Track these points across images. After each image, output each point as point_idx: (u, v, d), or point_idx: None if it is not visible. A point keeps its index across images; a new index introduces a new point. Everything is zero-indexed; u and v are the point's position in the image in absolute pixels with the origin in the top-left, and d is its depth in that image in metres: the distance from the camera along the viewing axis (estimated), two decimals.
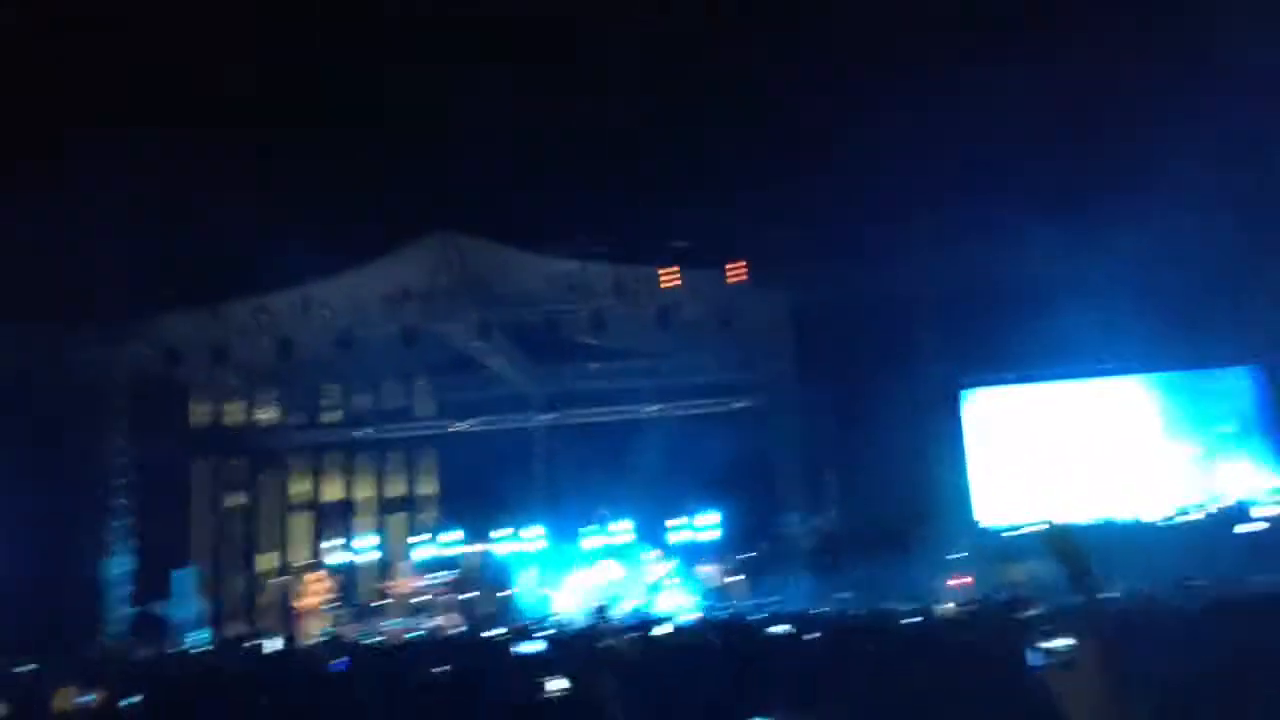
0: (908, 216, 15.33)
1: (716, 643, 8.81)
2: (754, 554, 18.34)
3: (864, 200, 14.86)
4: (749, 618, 12.46)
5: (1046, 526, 15.12)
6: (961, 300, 16.62)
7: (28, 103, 16.59)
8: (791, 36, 15.42)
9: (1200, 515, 17.02)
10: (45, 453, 17.30)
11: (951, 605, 10.87)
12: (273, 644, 13.71)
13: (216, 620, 18.91)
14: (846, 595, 14.66)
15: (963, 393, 18.44)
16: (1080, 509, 17.26)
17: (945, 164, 14.64)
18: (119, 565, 17.72)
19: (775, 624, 10.84)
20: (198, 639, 16.89)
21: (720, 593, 17.90)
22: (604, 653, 7.31)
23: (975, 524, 17.84)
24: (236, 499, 21.11)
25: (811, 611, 13.22)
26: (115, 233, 16.77)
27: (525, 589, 18.46)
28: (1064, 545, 6.87)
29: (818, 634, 9.35)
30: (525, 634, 10.27)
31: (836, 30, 15.17)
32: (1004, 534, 17.57)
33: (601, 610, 14.91)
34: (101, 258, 16.57)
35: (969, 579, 16.00)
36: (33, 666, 8.91)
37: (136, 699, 6.55)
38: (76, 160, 16.55)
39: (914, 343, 17.23)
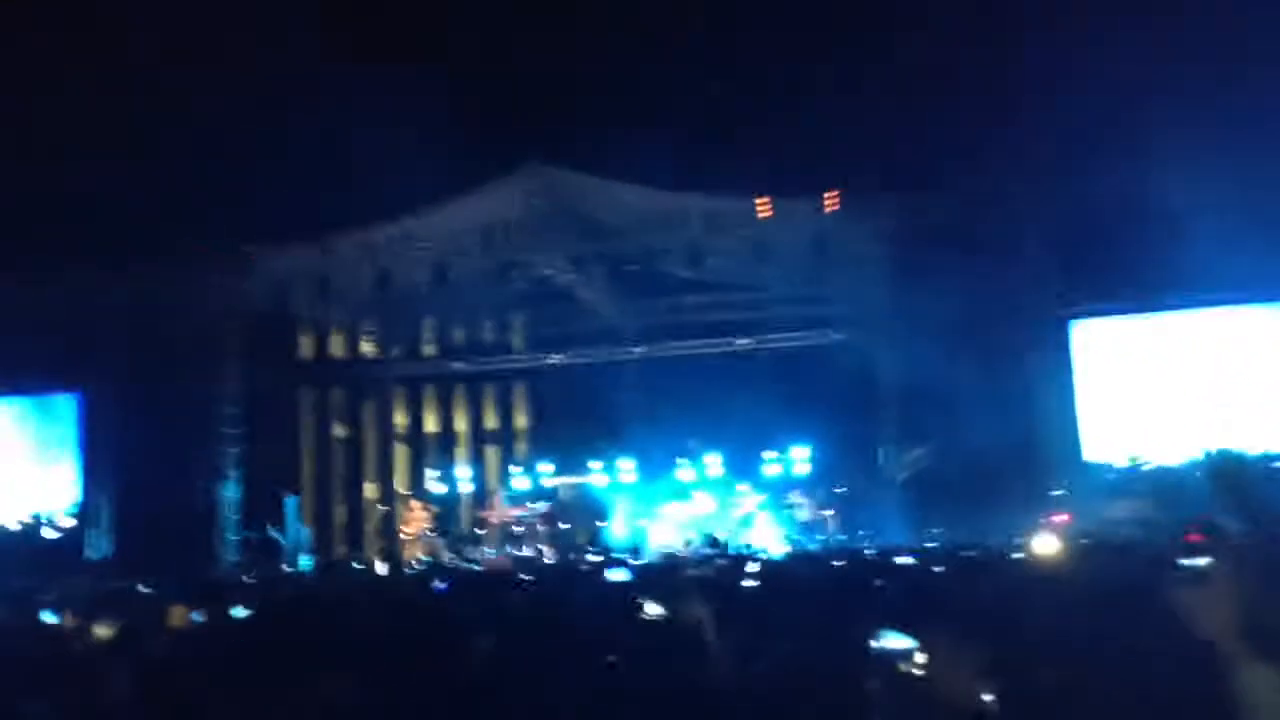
0: (1011, 138, 14.83)
1: (808, 573, 8.82)
2: (847, 489, 18.24)
3: (964, 122, 14.42)
4: (841, 550, 12.45)
5: (1216, 454, 14.81)
6: (1071, 225, 16.00)
7: (136, 33, 17.01)
8: None
9: None
10: (159, 382, 18.00)
11: (1048, 541, 10.66)
12: (379, 568, 14.18)
13: (322, 547, 19.57)
14: (939, 531, 14.52)
15: (1071, 322, 17.76)
16: (1193, 445, 16.74)
17: (1050, 81, 14.10)
18: (231, 492, 18.39)
19: (867, 556, 10.81)
20: (305, 563, 17.54)
21: (813, 527, 17.88)
22: (697, 581, 7.36)
23: (1081, 459, 17.36)
24: (340, 429, 21.66)
25: (904, 546, 13.15)
26: (223, 167, 17.21)
27: (618, 521, 18.68)
28: (1233, 474, 6.67)
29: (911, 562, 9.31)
30: (618, 563, 10.40)
31: None
32: (1112, 469, 17.17)
33: (704, 542, 14.96)
34: (209, 191, 17.03)
35: (1067, 516, 15.68)
36: (149, 589, 9.31)
37: (245, 614, 6.78)
38: (180, 94, 16.94)
39: (1020, 270, 16.64)
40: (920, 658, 3.76)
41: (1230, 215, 14.44)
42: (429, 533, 18.93)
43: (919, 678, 3.71)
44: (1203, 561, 4.81)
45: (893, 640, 4.06)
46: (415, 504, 19.75)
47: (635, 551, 14.66)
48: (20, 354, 18.02)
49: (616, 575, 8.17)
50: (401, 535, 19.32)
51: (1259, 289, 17.05)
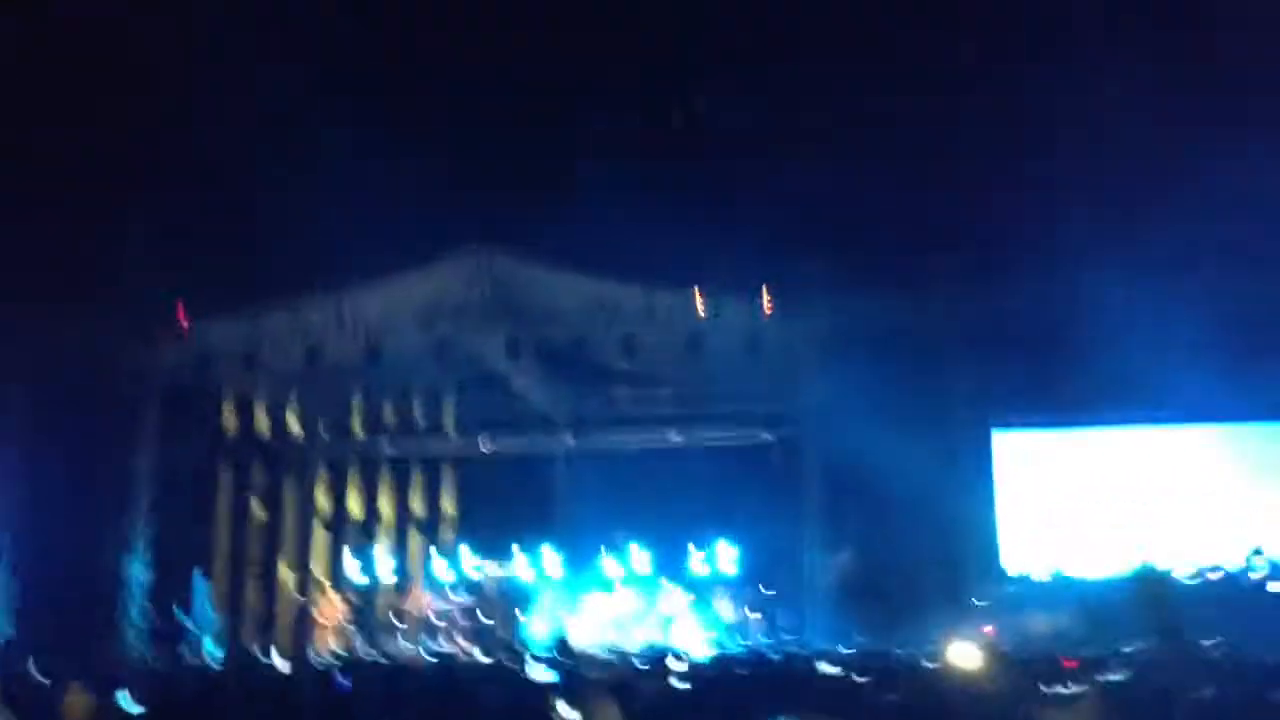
0: (943, 248, 15.16)
1: (732, 677, 8.65)
2: (773, 591, 18.11)
3: (898, 230, 14.73)
4: (766, 654, 12.27)
5: (1140, 570, 14.93)
6: (998, 337, 16.32)
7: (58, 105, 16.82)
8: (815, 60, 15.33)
9: (1223, 574, 16.55)
10: (71, 449, 17.41)
11: (971, 651, 10.61)
12: (283, 662, 13.63)
13: (232, 632, 18.85)
14: (861, 639, 14.43)
15: (994, 433, 18.05)
16: (1110, 561, 16.94)
17: (980, 191, 14.48)
18: (139, 570, 17.71)
19: (792, 661, 10.66)
20: (212, 650, 16.85)
21: (736, 628, 17.68)
22: (616, 685, 7.16)
23: (1002, 570, 17.50)
24: (259, 509, 21.06)
25: (829, 650, 13.01)
26: (154, 236, 16.94)
27: (541, 614, 18.31)
28: (1156, 591, 6.68)
29: (835, 672, 9.18)
30: (537, 660, 10.13)
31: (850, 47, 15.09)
32: (1031, 582, 17.27)
33: (617, 644, 14.70)
34: (139, 260, 16.72)
35: (989, 628, 15.69)
36: (46, 673, 8.86)
37: (141, 709, 6.47)
38: (116, 164, 16.74)
39: (946, 379, 16.95)
40: None
41: (1155, 334, 14.82)
42: (345, 623, 18.37)
43: None
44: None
45: None
46: (331, 593, 19.19)
47: (562, 647, 14.32)
48: None
49: (540, 675, 7.96)
50: (317, 624, 18.71)
51: (1180, 408, 17.45)
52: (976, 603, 16.21)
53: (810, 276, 16.13)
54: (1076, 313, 15.73)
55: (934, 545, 16.80)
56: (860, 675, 8.71)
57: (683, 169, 16.41)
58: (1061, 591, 16.67)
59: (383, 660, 13.03)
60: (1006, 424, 18.03)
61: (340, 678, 7.59)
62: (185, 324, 17.70)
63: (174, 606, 17.70)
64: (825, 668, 9.91)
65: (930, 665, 9.69)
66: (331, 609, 18.56)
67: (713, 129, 15.17)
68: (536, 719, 5.32)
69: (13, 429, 17.64)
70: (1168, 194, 14.72)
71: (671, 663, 9.70)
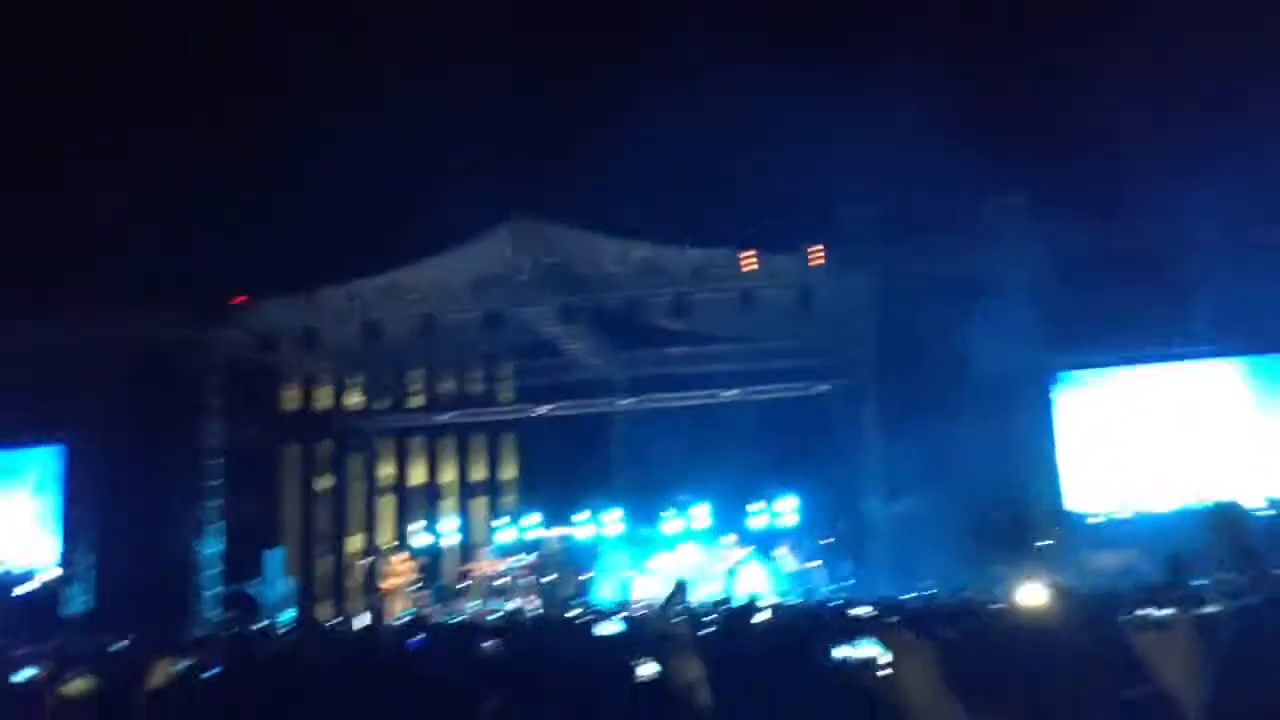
0: (995, 190, 14.99)
1: (798, 626, 8.73)
2: (833, 540, 18.18)
3: (949, 176, 14.57)
4: (828, 603, 12.36)
5: (1214, 505, 14.81)
6: (1054, 279, 16.12)
7: (124, 88, 17.14)
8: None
9: None
10: (142, 434, 17.90)
11: (1040, 591, 10.61)
12: (358, 622, 14.01)
13: (304, 600, 19.37)
14: (927, 583, 14.43)
15: (1054, 375, 17.83)
16: (1175, 497, 16.78)
17: (1032, 137, 14.31)
18: (212, 545, 18.21)
19: (853, 608, 10.73)
20: (286, 618, 17.33)
21: (798, 578, 17.79)
22: (683, 635, 7.29)
23: (1064, 511, 17.38)
24: (324, 481, 21.54)
25: (890, 598, 13.08)
26: (211, 217, 17.28)
27: (604, 573, 18.56)
28: (1231, 523, 6.65)
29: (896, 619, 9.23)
30: (604, 616, 10.30)
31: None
32: (1094, 521, 17.17)
33: (680, 592, 14.84)
34: (196, 241, 17.06)
35: (1055, 568, 15.64)
36: (126, 643, 9.21)
37: (220, 670, 6.69)
38: (175, 147, 17.06)
39: (1004, 322, 16.74)
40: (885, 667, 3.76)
41: (1214, 269, 14.59)
42: (413, 586, 18.77)
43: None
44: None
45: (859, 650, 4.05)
46: (398, 558, 19.59)
47: (620, 604, 14.55)
48: (2, 405, 17.91)
49: (607, 628, 8.10)
50: (384, 589, 19.13)
51: (1241, 342, 17.18)
52: (1042, 543, 16.14)
53: (860, 225, 16.03)
54: (1129, 252, 15.51)
55: (996, 488, 16.73)
56: (926, 621, 8.76)
57: (722, 127, 16.35)
58: (1130, 529, 16.55)
59: (453, 620, 13.33)
60: (1067, 364, 17.85)
61: (414, 636, 7.81)
62: (244, 305, 18.02)
63: (247, 579, 18.19)
64: (887, 615, 9.97)
65: (998, 607, 9.71)
66: (399, 574, 18.95)
67: (752, 82, 15.06)
68: (613, 673, 5.42)
69: (86, 411, 18.17)
70: (1224, 131, 14.45)
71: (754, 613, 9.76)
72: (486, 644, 6.90)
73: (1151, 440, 17.51)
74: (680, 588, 10.88)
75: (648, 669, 5.02)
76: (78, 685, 5.60)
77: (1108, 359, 17.88)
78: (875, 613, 8.61)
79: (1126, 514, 17.16)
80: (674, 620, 8.30)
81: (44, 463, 19.19)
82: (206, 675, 5.74)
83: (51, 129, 17.43)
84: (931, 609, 10.43)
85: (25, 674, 6.63)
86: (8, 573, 18.55)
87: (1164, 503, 16.90)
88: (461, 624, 11.41)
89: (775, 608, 10.80)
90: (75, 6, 17.46)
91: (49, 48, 17.38)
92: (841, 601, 11.78)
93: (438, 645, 7.29)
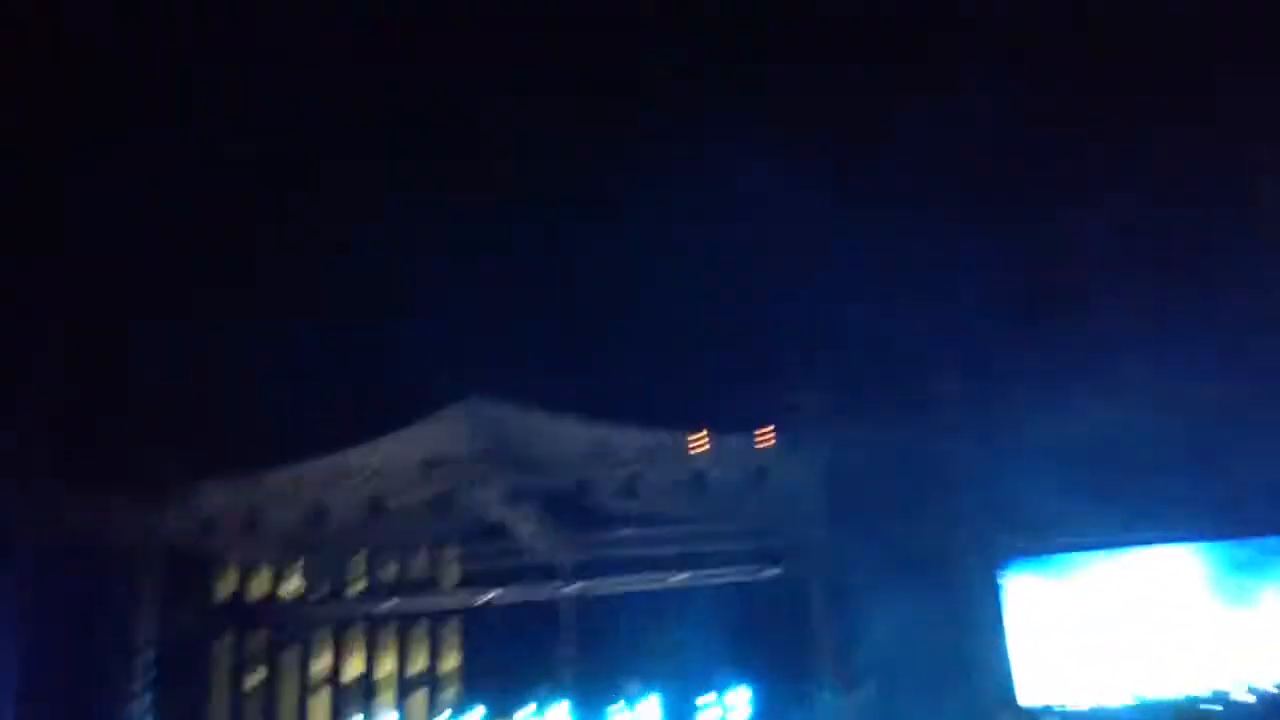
0: (945, 375, 15.43)
1: None
2: None
3: (898, 360, 15.02)
4: None
5: (1181, 699, 14.68)
6: (1003, 463, 16.42)
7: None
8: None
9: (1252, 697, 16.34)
10: (63, 622, 17.12)
11: None
12: None
13: None
14: None
15: (1003, 563, 17.91)
16: (1132, 689, 16.69)
17: (981, 329, 14.82)
18: None
19: None
20: None
21: None
22: None
23: (1017, 704, 17.17)
24: (256, 676, 20.64)
25: None
26: (154, 399, 17.08)
27: None
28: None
29: None
30: None
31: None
32: (1047, 714, 16.96)
33: None
34: (140, 424, 16.81)
35: None
36: None
37: None
38: (122, 319, 17.01)
39: (952, 509, 16.97)
40: None
41: (1171, 453, 14.98)
42: None
43: None
44: None
45: None
46: None
47: None
48: None
49: None
50: None
51: (1199, 528, 17.41)
52: None
53: (810, 407, 16.33)
54: (1079, 438, 15.90)
55: (948, 680, 16.56)
56: None
57: (673, 304, 16.81)
58: None
59: None
60: (1018, 549, 17.91)
61: None
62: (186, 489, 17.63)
63: None
64: None
65: None
66: None
67: (705, 258, 15.61)
68: None
69: (13, 593, 17.36)
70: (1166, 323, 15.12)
71: None
72: None
73: (1107, 629, 17.46)
74: None
75: None
76: None
77: (1060, 544, 18.00)
78: None
79: (1082, 707, 16.99)
80: None
81: None
82: None
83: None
84: None
85: None
86: None
87: (1120, 696, 16.78)
88: None
89: None
90: None
91: None
92: None
93: None
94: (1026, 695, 17.22)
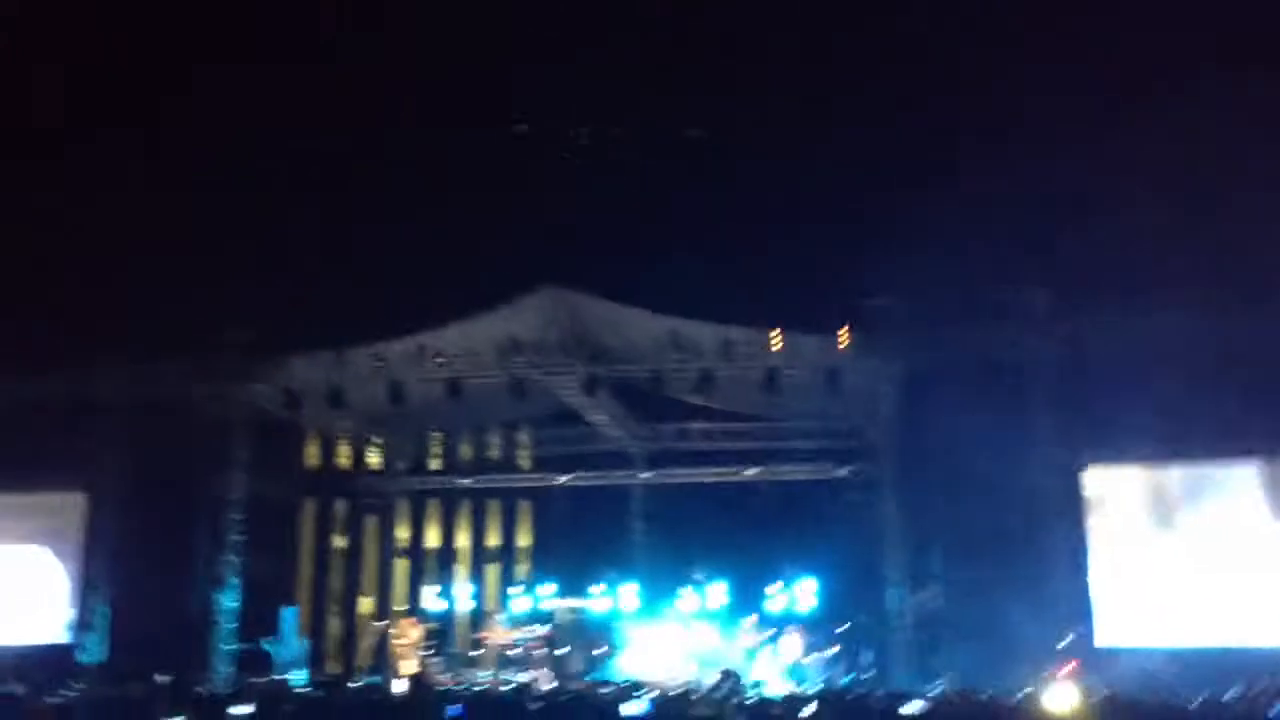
0: (1027, 278, 15.02)
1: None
2: (850, 626, 17.97)
3: (980, 262, 14.66)
4: (848, 692, 12.23)
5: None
6: (1088, 368, 15.94)
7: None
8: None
9: None
10: (164, 487, 17.97)
11: (1062, 694, 10.46)
12: (368, 682, 13.88)
13: (315, 659, 19.22)
14: (942, 677, 14.22)
15: (1084, 467, 17.12)
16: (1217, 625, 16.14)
17: (1069, 224, 14.36)
18: (228, 600, 18.12)
19: (874, 699, 10.63)
20: (298, 675, 17.20)
21: (814, 664, 17.56)
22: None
23: (1092, 609, 16.81)
24: (341, 541, 21.53)
25: (911, 691, 12.92)
26: (242, 275, 17.50)
27: (619, 648, 18.37)
28: None
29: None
30: (629, 694, 10.22)
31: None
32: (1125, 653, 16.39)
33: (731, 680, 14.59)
34: (228, 299, 17.27)
35: (1076, 663, 15.35)
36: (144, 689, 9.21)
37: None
38: (210, 205, 17.35)
39: (1033, 414, 16.48)
40: None
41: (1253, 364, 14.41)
42: (424, 650, 18.62)
43: None
44: None
45: None
46: (411, 621, 19.48)
47: (638, 683, 14.39)
48: (27, 451, 17.99)
49: (631, 709, 8.04)
50: (395, 651, 19.00)
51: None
52: (1064, 642, 15.81)
53: (889, 310, 16.06)
54: (1163, 345, 15.34)
55: (1019, 582, 16.46)
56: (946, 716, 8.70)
57: (762, 204, 16.55)
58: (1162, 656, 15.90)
59: (468, 688, 13.18)
60: (1095, 459, 17.50)
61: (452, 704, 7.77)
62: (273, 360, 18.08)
63: (262, 635, 18.08)
64: (910, 708, 9.89)
65: (1020, 706, 9.61)
66: (409, 638, 18.82)
67: (793, 165, 15.27)
68: None
69: (109, 462, 18.25)
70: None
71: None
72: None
73: (1186, 553, 16.72)
74: (729, 676, 10.74)
75: None
76: None
77: (1139, 456, 17.43)
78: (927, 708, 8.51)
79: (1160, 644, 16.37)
80: (724, 707, 8.25)
81: (66, 510, 19.14)
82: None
83: (90, 189, 17.74)
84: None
85: None
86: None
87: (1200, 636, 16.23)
88: (491, 694, 11.29)
89: (822, 699, 10.63)
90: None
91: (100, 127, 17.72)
92: (886, 694, 11.60)
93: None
94: (1103, 602, 16.65)
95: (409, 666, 18.18)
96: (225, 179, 18.69)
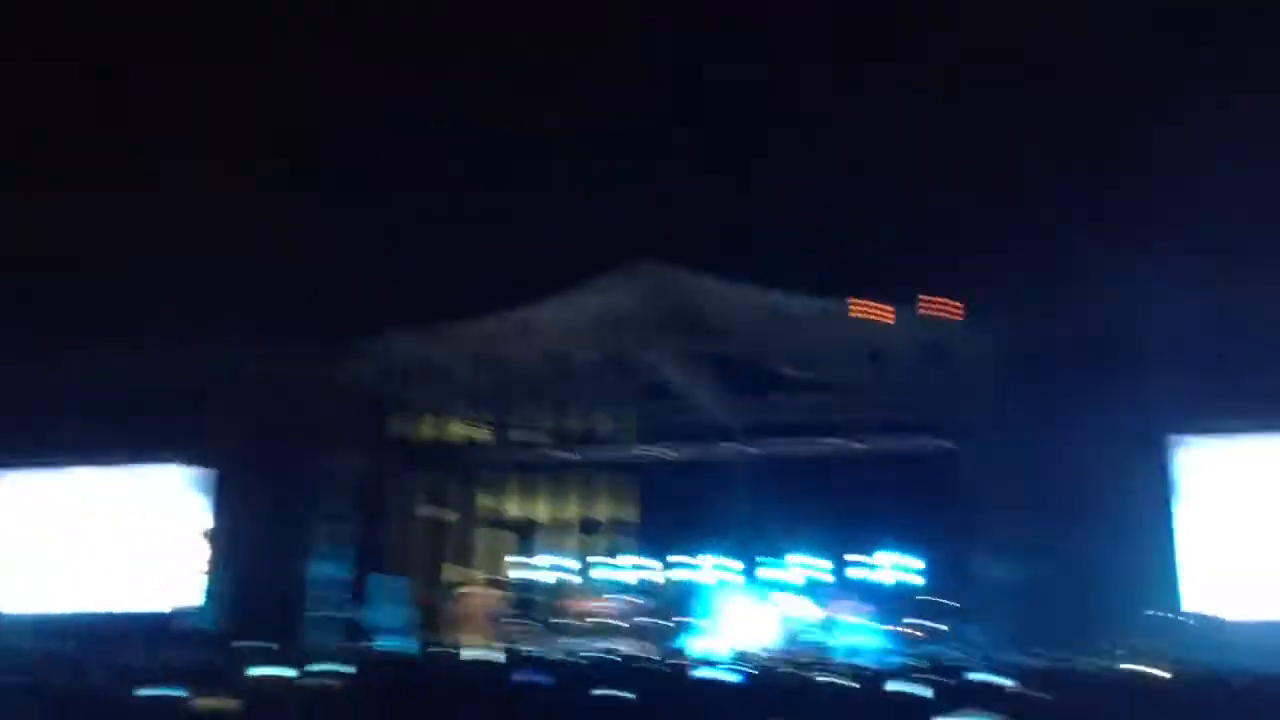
0: (1127, 261, 14.63)
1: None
2: (943, 599, 17.84)
3: (1082, 245, 14.30)
4: (947, 664, 12.14)
5: None
6: (1179, 346, 15.55)
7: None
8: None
9: None
10: (280, 461, 18.55)
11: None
12: (470, 652, 14.28)
13: (413, 625, 19.74)
14: (1040, 650, 14.01)
15: (1175, 442, 17.03)
16: None
17: (1162, 207, 13.93)
18: (330, 569, 18.70)
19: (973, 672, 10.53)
20: (395, 641, 17.71)
21: (906, 636, 17.49)
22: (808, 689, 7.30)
23: (1180, 582, 16.53)
24: (441, 512, 22.05)
25: (1010, 662, 12.77)
26: (344, 253, 17.94)
27: (714, 618, 18.52)
28: None
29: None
30: (719, 663, 10.31)
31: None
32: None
33: (808, 646, 14.69)
34: (331, 277, 17.73)
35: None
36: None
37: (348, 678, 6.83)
38: (310, 186, 17.79)
39: (1127, 388, 16.16)
40: None
41: None
42: (516, 618, 19.04)
43: None
44: None
45: None
46: (505, 589, 19.92)
47: (734, 653, 14.53)
48: (142, 425, 18.76)
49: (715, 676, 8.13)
50: (489, 618, 19.51)
51: None
52: (1155, 614, 15.51)
53: (992, 283, 15.79)
54: (1259, 316, 14.86)
55: (1111, 555, 16.18)
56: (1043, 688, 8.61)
57: (864, 177, 16.31)
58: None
59: (573, 659, 13.44)
60: (1188, 431, 17.10)
61: (524, 670, 7.96)
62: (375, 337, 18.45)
63: (365, 603, 18.65)
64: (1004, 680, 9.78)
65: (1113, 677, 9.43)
66: (504, 605, 19.25)
67: (892, 137, 15.03)
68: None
69: (223, 438, 18.92)
70: None
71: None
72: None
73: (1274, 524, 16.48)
74: (816, 646, 10.69)
75: None
76: (218, 703, 5.86)
77: (1231, 428, 17.01)
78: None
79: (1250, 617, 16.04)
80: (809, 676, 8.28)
81: (176, 483, 19.81)
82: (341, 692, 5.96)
83: (193, 169, 18.24)
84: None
85: (166, 691, 6.97)
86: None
87: None
88: (581, 662, 11.50)
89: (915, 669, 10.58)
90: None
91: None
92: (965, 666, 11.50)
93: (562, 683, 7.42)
94: (1192, 576, 16.48)
95: (486, 634, 18.64)
96: (325, 159, 19.05)
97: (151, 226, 17.49)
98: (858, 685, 9.20)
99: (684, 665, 11.67)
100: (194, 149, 18.20)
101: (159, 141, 18.04)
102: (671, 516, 20.68)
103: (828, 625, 17.81)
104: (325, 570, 18.60)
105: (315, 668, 8.76)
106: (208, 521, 19.27)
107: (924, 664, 12.70)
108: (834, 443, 19.69)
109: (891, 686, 8.78)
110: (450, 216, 17.45)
